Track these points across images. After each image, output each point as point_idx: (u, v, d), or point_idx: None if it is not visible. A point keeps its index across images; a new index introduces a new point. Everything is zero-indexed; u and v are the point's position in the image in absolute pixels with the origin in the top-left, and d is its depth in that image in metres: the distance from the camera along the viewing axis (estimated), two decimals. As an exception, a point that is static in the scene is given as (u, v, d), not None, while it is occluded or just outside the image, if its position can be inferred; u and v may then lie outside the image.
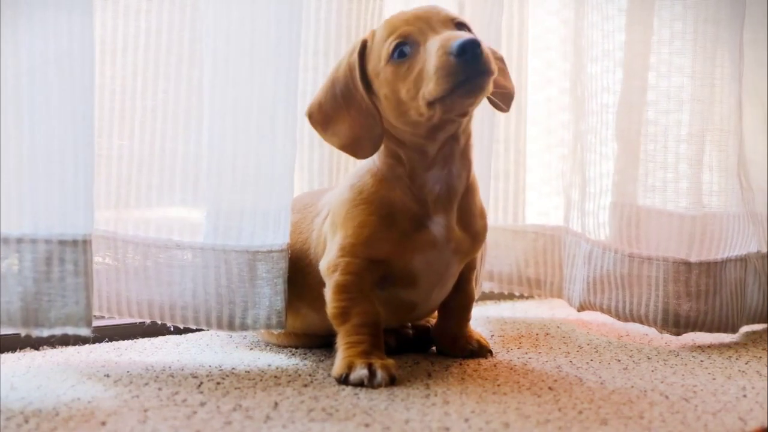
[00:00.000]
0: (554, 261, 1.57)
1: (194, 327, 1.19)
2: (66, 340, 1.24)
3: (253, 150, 1.16)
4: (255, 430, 0.88)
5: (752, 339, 1.41)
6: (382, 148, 1.12)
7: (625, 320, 1.41)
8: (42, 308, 1.00)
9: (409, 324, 1.29)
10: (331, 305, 1.11)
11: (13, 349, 1.21)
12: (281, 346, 1.28)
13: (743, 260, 1.41)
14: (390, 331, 1.22)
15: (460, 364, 1.18)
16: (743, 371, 1.18)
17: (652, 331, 1.43)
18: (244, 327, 1.17)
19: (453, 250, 1.14)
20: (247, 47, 1.14)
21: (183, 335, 1.33)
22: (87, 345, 1.25)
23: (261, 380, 1.08)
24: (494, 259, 1.59)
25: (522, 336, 1.38)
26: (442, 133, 1.09)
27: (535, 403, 0.99)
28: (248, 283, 1.16)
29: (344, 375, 1.06)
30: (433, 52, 1.02)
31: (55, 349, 1.22)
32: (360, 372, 1.05)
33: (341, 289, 1.11)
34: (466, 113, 1.09)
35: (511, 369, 1.16)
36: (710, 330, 1.37)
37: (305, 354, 1.23)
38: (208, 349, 1.25)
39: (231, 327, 1.17)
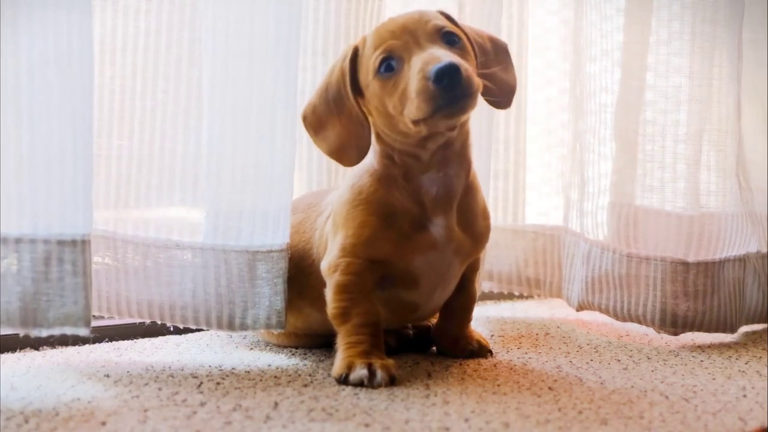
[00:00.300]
0: (554, 261, 1.57)
1: (194, 327, 1.19)
2: (66, 340, 1.24)
3: (252, 150, 1.16)
4: (255, 430, 0.88)
5: (752, 339, 1.41)
6: (378, 148, 1.12)
7: (623, 320, 1.41)
8: (41, 308, 1.00)
9: (410, 324, 1.29)
10: (332, 305, 1.11)
11: (13, 349, 1.21)
12: (281, 346, 1.28)
13: (742, 260, 1.41)
14: (390, 331, 1.22)
15: (460, 364, 1.18)
16: (743, 371, 1.18)
17: (651, 331, 1.43)
18: (243, 327, 1.17)
19: (454, 251, 1.13)
20: (246, 47, 1.14)
21: (183, 335, 1.33)
22: (87, 345, 1.25)
23: (261, 380, 1.08)
24: (494, 259, 1.59)
25: (522, 336, 1.38)
26: (433, 142, 1.09)
27: (535, 403, 0.99)
28: (248, 283, 1.16)
29: (344, 375, 1.06)
30: (414, 74, 1.01)
31: (55, 349, 1.22)
32: (360, 372, 1.05)
33: (342, 289, 1.11)
34: (454, 127, 1.08)
35: (511, 369, 1.16)
36: (708, 330, 1.37)
37: (305, 354, 1.23)
38: (208, 349, 1.25)
39: (231, 327, 1.17)
